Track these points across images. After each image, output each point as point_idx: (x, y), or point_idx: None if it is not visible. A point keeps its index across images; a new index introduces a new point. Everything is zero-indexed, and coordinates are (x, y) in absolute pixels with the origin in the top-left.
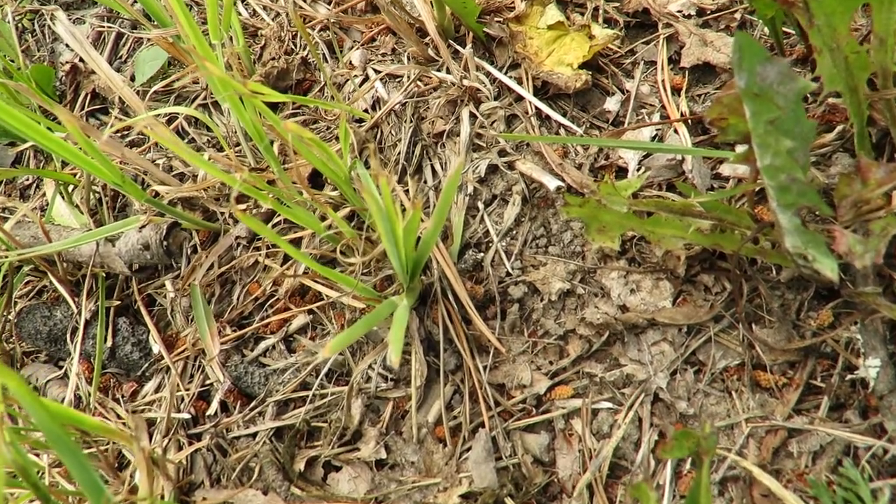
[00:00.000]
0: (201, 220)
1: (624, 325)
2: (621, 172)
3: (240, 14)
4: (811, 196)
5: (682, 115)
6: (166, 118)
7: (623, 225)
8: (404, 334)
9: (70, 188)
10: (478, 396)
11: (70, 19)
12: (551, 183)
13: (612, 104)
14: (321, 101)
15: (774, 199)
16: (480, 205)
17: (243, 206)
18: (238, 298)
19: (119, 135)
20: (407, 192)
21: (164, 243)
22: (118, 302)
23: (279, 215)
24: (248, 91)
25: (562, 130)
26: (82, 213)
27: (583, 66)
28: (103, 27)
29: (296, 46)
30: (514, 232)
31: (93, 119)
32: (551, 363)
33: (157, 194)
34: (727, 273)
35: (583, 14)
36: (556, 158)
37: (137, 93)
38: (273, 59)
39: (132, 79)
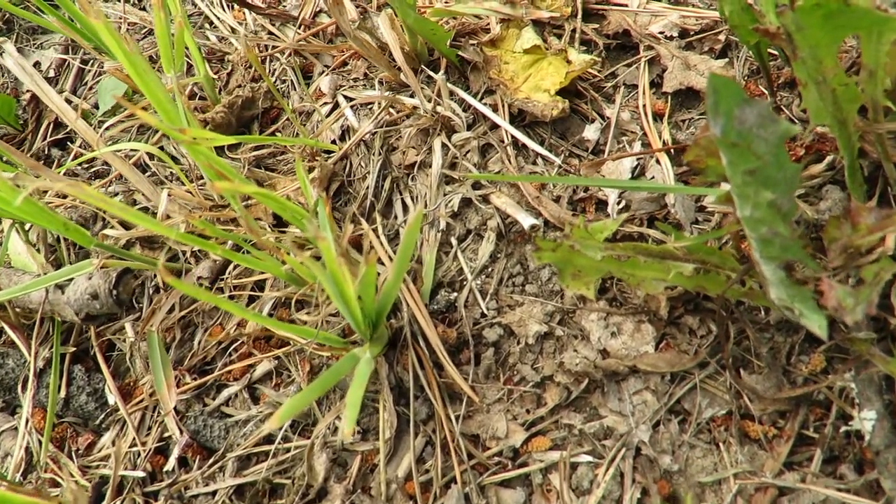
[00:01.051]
0: (162, 260)
1: (604, 373)
2: (601, 205)
3: (207, 39)
4: (795, 250)
5: (664, 143)
6: (128, 149)
7: (599, 270)
8: (365, 389)
9: (27, 226)
10: (450, 449)
11: (33, 46)
12: (525, 220)
13: (591, 132)
14: (280, 138)
15: (757, 251)
16: (454, 241)
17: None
18: (199, 343)
19: (83, 166)
20: (375, 229)
21: (114, 292)
22: (73, 348)
23: (244, 251)
24: (188, 138)
25: (539, 160)
26: (39, 252)
27: (561, 91)
28: (66, 56)
29: (264, 79)
30: (490, 270)
31: (56, 149)
32: (528, 412)
33: (106, 238)
34: (713, 315)
35: (560, 37)
36: (533, 191)
37: (99, 123)
38: (239, 86)
39: (96, 107)
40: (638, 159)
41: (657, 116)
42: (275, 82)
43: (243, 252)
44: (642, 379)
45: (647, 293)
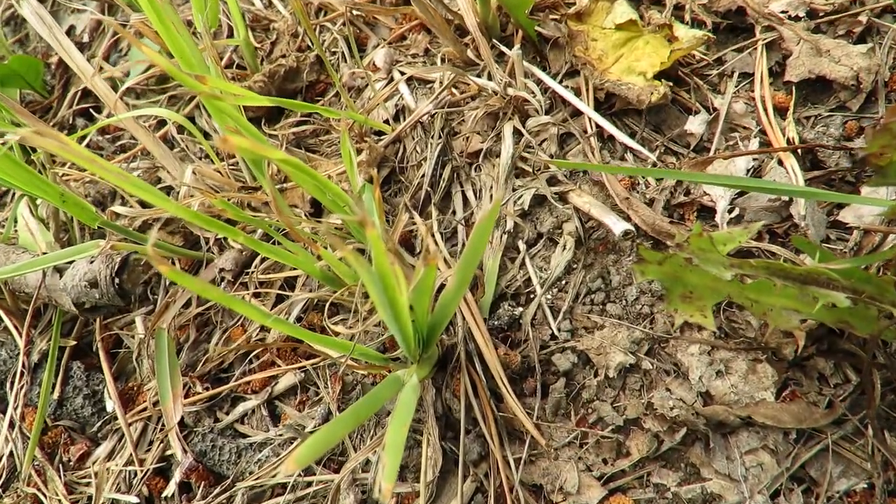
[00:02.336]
0: (180, 247)
1: (707, 422)
2: (705, 213)
3: (252, 4)
4: None
5: (788, 141)
6: (156, 121)
7: (717, 292)
8: (411, 418)
9: (38, 199)
10: (506, 499)
11: (68, 10)
12: (616, 226)
13: (695, 125)
14: (324, 108)
15: None
16: (522, 245)
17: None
18: (216, 346)
19: (108, 138)
20: (429, 226)
21: (116, 281)
22: (74, 342)
23: (275, 241)
24: (208, 89)
25: (629, 155)
26: (49, 228)
27: (659, 75)
28: (103, 17)
29: (313, 43)
30: (564, 282)
31: (82, 119)
32: (606, 463)
33: (117, 217)
34: (853, 359)
35: (661, 11)
36: (622, 191)
37: (127, 92)
38: (283, 56)
39: (129, 75)
40: (754, 159)
41: (778, 110)
42: (324, 54)
43: (273, 242)
44: (758, 434)
45: (776, 326)
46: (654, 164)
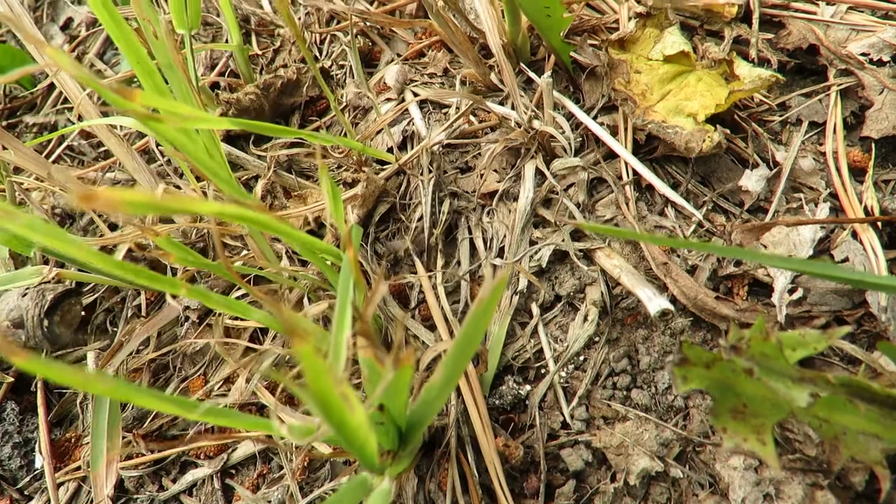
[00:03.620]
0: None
1: None
2: (758, 288)
3: (259, 7)
4: None
5: (866, 210)
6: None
7: (780, 408)
8: None
9: None
10: None
11: (74, 3)
12: (652, 302)
13: (751, 181)
14: (310, 133)
15: None
16: (535, 309)
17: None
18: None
19: (92, 144)
20: (430, 278)
21: (46, 322)
22: (12, 378)
23: (249, 278)
24: (138, 107)
25: (670, 210)
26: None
27: (712, 119)
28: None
29: (321, 53)
30: (582, 359)
31: (63, 117)
32: None
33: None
34: None
35: (719, 44)
36: (659, 254)
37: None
38: (284, 66)
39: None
40: (823, 228)
41: (853, 170)
42: (330, 67)
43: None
44: None
45: (851, 456)
46: (700, 224)
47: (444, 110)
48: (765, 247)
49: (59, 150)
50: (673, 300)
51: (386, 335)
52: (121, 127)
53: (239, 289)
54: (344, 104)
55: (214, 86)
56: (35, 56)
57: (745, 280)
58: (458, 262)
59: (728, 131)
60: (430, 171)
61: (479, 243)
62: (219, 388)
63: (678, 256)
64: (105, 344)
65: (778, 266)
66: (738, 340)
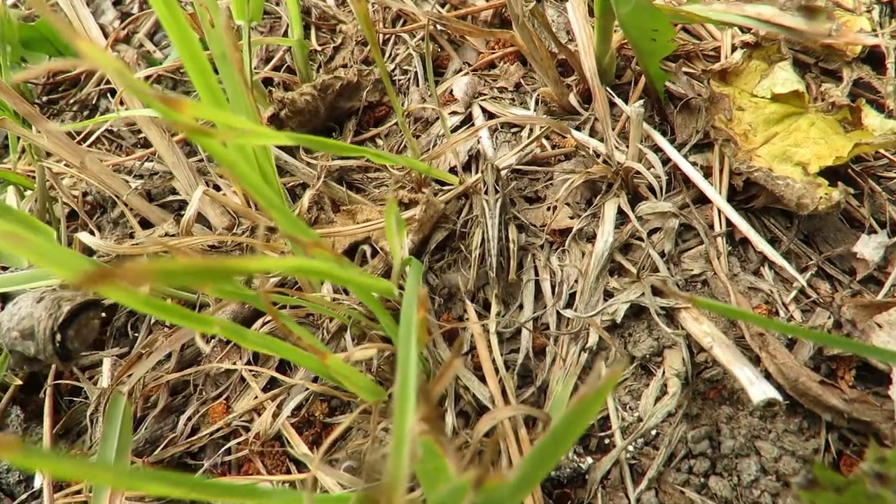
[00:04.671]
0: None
1: None
2: (868, 373)
3: (324, 0)
4: None
5: None
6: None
7: None
8: None
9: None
10: None
11: None
12: (755, 387)
13: (868, 248)
14: (365, 150)
15: None
16: (604, 368)
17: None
18: (187, 424)
19: (133, 128)
20: (485, 326)
21: (58, 337)
22: (20, 382)
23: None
24: (187, 121)
25: (767, 270)
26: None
27: (825, 171)
28: None
29: (383, 55)
30: (655, 434)
31: (105, 100)
32: None
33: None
34: None
35: (837, 85)
36: (756, 325)
37: (166, 77)
38: (344, 65)
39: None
40: None
41: None
42: (393, 71)
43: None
44: None
45: None
46: (802, 292)
47: (513, 130)
48: (879, 326)
49: (98, 132)
50: (767, 376)
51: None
52: None
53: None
54: (406, 113)
55: (267, 81)
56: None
57: (853, 362)
58: (521, 306)
59: (851, 189)
60: (497, 192)
61: (546, 287)
62: (240, 419)
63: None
64: (124, 351)
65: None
66: (880, 463)
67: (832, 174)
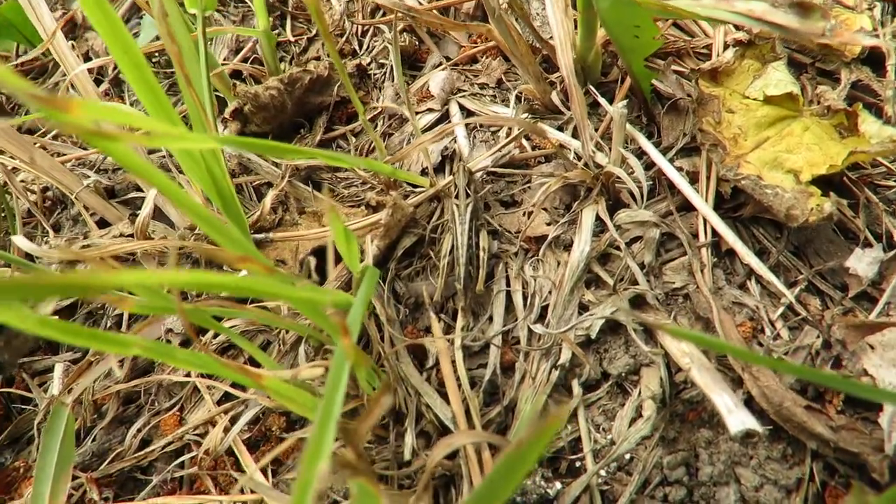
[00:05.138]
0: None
1: None
2: (856, 404)
3: None
4: None
5: None
6: None
7: None
8: None
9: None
10: None
11: None
12: (733, 417)
13: (862, 263)
14: (330, 153)
15: None
16: (577, 387)
17: None
18: (136, 437)
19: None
20: (451, 341)
21: None
22: None
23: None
24: (77, 122)
25: (753, 284)
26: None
27: (818, 180)
28: None
29: (361, 47)
30: (629, 459)
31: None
32: None
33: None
34: None
35: (833, 87)
36: (738, 341)
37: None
38: (317, 58)
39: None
40: None
41: None
42: (369, 65)
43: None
44: None
45: None
46: (790, 308)
47: (492, 129)
48: (872, 348)
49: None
50: (748, 400)
51: (393, 398)
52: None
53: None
54: (379, 110)
55: (237, 74)
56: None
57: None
58: (490, 319)
59: (843, 201)
60: (468, 196)
61: (518, 299)
62: (193, 432)
63: (760, 345)
64: (78, 356)
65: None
66: None
67: (826, 183)
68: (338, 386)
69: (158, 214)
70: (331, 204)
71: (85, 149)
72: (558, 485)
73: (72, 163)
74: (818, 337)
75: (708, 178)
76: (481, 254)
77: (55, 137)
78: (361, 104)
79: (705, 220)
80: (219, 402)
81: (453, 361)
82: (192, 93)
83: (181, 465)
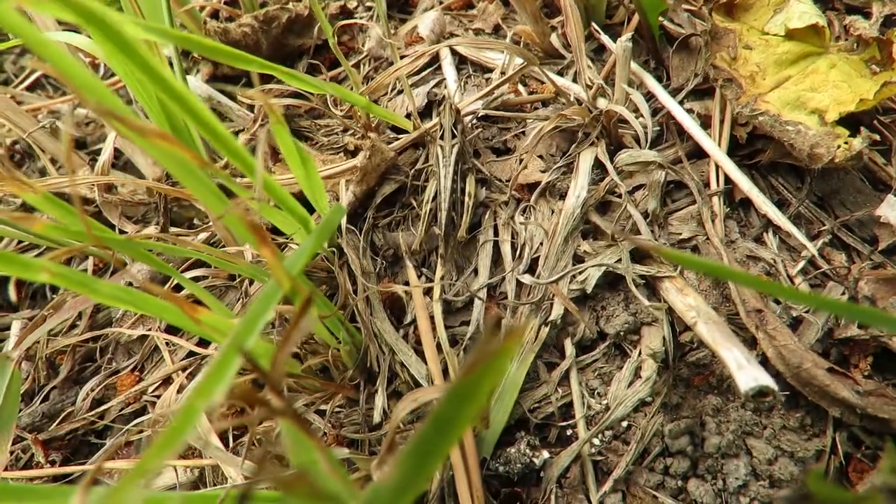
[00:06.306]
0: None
1: None
2: (887, 358)
3: None
4: None
5: None
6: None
7: None
8: None
9: None
10: None
11: None
12: (743, 373)
13: (892, 211)
14: (291, 71)
15: None
16: (570, 347)
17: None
18: (88, 396)
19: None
20: (429, 291)
21: None
22: None
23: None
24: None
25: (771, 237)
26: None
27: (844, 120)
28: None
29: None
30: (626, 426)
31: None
32: None
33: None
34: None
35: (867, 16)
36: (752, 298)
37: None
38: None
39: None
40: None
41: None
42: (356, 8)
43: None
44: None
45: None
46: (812, 262)
47: (486, 75)
48: None
49: (35, 76)
50: (764, 361)
51: (365, 356)
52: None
53: (194, 266)
54: (365, 53)
55: (216, 16)
56: None
57: (871, 348)
58: (476, 272)
59: (875, 136)
60: (455, 137)
61: (507, 249)
62: (152, 393)
63: (777, 302)
64: (37, 313)
65: None
66: None
67: (855, 125)
68: (259, 314)
69: (130, 167)
70: (297, 145)
71: (51, 97)
72: (545, 454)
73: (42, 113)
74: (843, 293)
75: (722, 121)
76: (466, 199)
77: (29, 89)
78: (347, 48)
79: (718, 167)
80: (183, 359)
81: (432, 316)
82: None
83: (139, 429)
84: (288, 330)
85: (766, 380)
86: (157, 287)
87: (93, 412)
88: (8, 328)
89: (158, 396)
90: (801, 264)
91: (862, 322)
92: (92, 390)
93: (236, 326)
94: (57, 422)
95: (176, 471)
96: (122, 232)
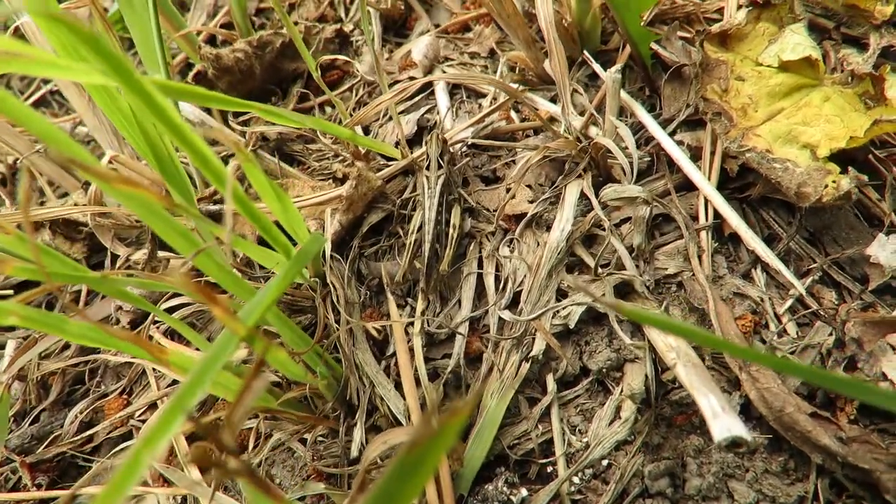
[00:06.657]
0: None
1: None
2: (871, 410)
3: None
4: None
5: None
6: None
7: None
8: None
9: None
10: None
11: None
12: (718, 422)
13: (885, 251)
14: (264, 107)
15: None
16: (552, 383)
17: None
18: (76, 419)
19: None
20: (406, 328)
21: None
22: None
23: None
24: None
25: (759, 273)
26: None
27: (837, 155)
28: None
29: (346, 14)
30: (607, 466)
31: None
32: None
33: None
34: None
35: (861, 54)
36: (736, 336)
37: None
38: (296, 23)
39: None
40: None
41: None
42: (352, 31)
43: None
44: None
45: None
46: (800, 301)
47: (480, 100)
48: (893, 348)
49: (40, 94)
50: (746, 406)
51: (345, 388)
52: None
53: (178, 293)
54: (358, 78)
55: (213, 41)
56: None
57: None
58: (459, 304)
59: (865, 178)
60: (441, 167)
61: (490, 282)
62: (139, 415)
63: (763, 342)
64: (30, 333)
65: None
66: None
67: (848, 161)
68: (207, 370)
69: None
70: (270, 182)
71: (56, 115)
72: (524, 491)
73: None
74: (831, 334)
75: (712, 153)
76: (451, 231)
77: (35, 105)
78: (342, 72)
79: (706, 200)
80: (169, 387)
81: (412, 349)
82: (113, 35)
83: (126, 451)
84: (239, 393)
85: (740, 430)
86: (120, 331)
87: (80, 435)
88: (3, 346)
89: (144, 421)
90: (789, 302)
91: (840, 357)
92: (81, 412)
93: (180, 386)
94: (45, 444)
95: (158, 500)
96: (114, 255)
